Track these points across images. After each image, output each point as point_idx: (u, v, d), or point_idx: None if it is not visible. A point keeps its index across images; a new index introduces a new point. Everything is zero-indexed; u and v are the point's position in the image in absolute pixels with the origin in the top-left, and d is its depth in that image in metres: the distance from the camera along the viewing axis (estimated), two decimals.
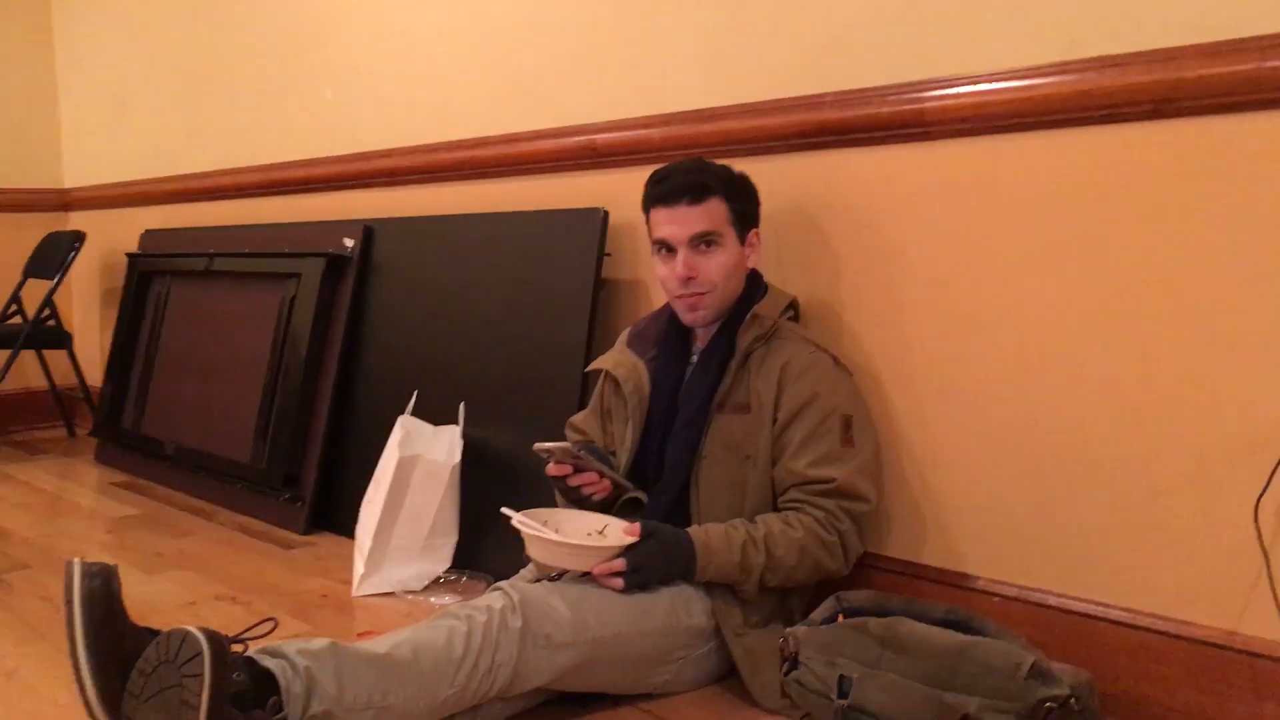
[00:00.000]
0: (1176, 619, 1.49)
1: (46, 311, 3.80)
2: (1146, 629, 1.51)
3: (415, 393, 2.36)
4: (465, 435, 2.24)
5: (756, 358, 1.72)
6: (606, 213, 2.16)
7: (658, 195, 1.72)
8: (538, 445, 1.66)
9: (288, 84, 3.16)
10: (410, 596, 2.12)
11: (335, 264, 2.75)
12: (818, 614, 1.54)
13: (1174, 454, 1.48)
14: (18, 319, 3.89)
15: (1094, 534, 1.57)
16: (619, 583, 1.55)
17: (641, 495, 1.75)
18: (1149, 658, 1.51)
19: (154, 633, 1.30)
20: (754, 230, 1.77)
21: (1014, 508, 1.65)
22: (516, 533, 1.58)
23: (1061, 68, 1.54)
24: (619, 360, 1.85)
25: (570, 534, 1.63)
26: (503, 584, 1.52)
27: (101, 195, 4.10)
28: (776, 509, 1.68)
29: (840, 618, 1.51)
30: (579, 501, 1.72)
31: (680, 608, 1.60)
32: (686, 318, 1.76)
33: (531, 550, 1.58)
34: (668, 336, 1.82)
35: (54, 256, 3.86)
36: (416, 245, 2.63)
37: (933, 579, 1.75)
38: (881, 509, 1.79)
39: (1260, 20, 1.36)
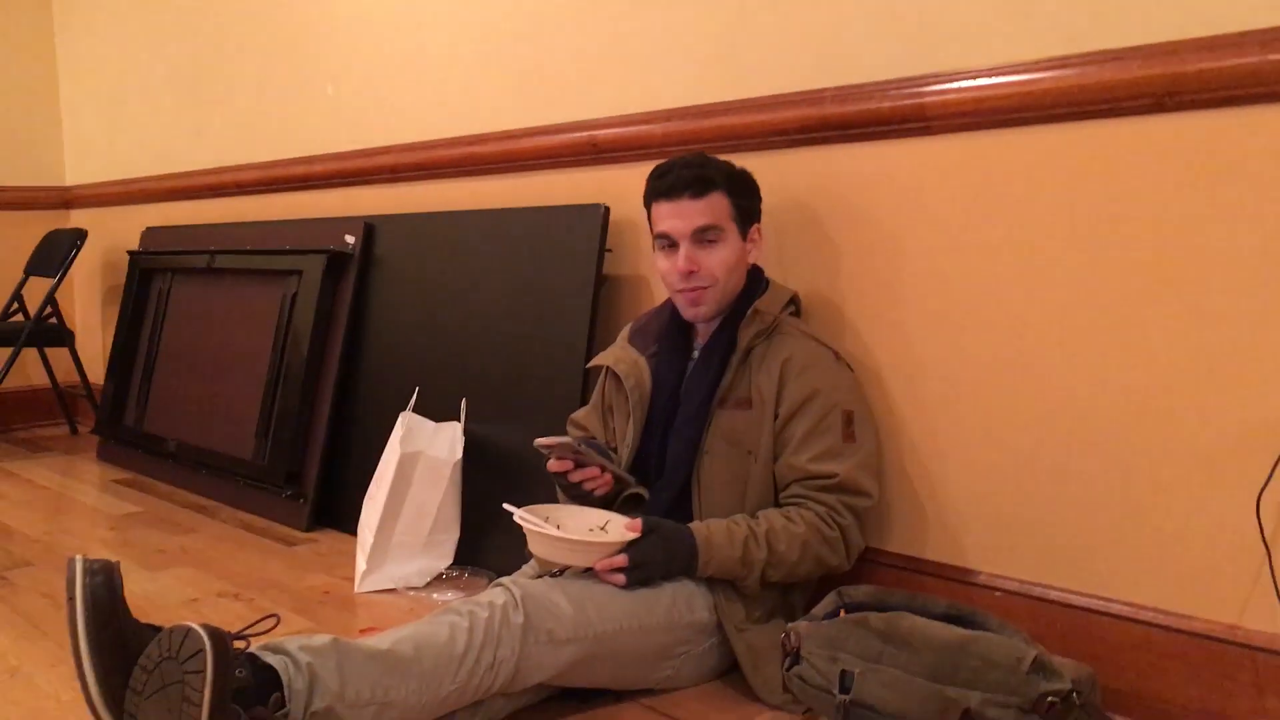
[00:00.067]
0: (1178, 613, 1.49)
1: (48, 309, 3.80)
2: (1148, 623, 1.51)
3: (417, 389, 2.36)
4: (467, 431, 2.24)
5: (758, 353, 1.72)
6: (607, 209, 2.16)
7: (660, 189, 1.72)
8: (538, 441, 1.66)
9: (289, 81, 3.16)
10: (412, 593, 2.12)
11: (336, 261, 2.75)
12: (819, 609, 1.54)
13: (1176, 448, 1.48)
14: (19, 317, 3.89)
15: (1096, 528, 1.57)
16: (621, 578, 1.55)
17: (643, 491, 1.75)
18: (1151, 652, 1.51)
19: (156, 629, 1.31)
20: (755, 226, 1.77)
21: (1015, 502, 1.65)
22: (518, 529, 1.58)
23: (1061, 62, 1.54)
24: (620, 356, 1.85)
25: (572, 530, 1.62)
26: (504, 580, 1.53)
27: (103, 193, 4.11)
28: (778, 504, 1.68)
29: (842, 613, 1.51)
30: (581, 497, 1.72)
31: (682, 603, 1.60)
32: (688, 313, 1.76)
33: (533, 546, 1.58)
34: (669, 332, 1.82)
35: (55, 254, 3.86)
36: (418, 242, 2.63)
37: (934, 574, 1.75)
38: (883, 504, 1.79)
39: (1261, 13, 1.36)
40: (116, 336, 3.59)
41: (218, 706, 1.19)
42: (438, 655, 1.38)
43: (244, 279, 3.13)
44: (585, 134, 2.24)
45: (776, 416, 1.68)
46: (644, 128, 2.12)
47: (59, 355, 4.01)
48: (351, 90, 2.93)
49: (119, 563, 1.34)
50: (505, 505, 1.61)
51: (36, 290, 3.85)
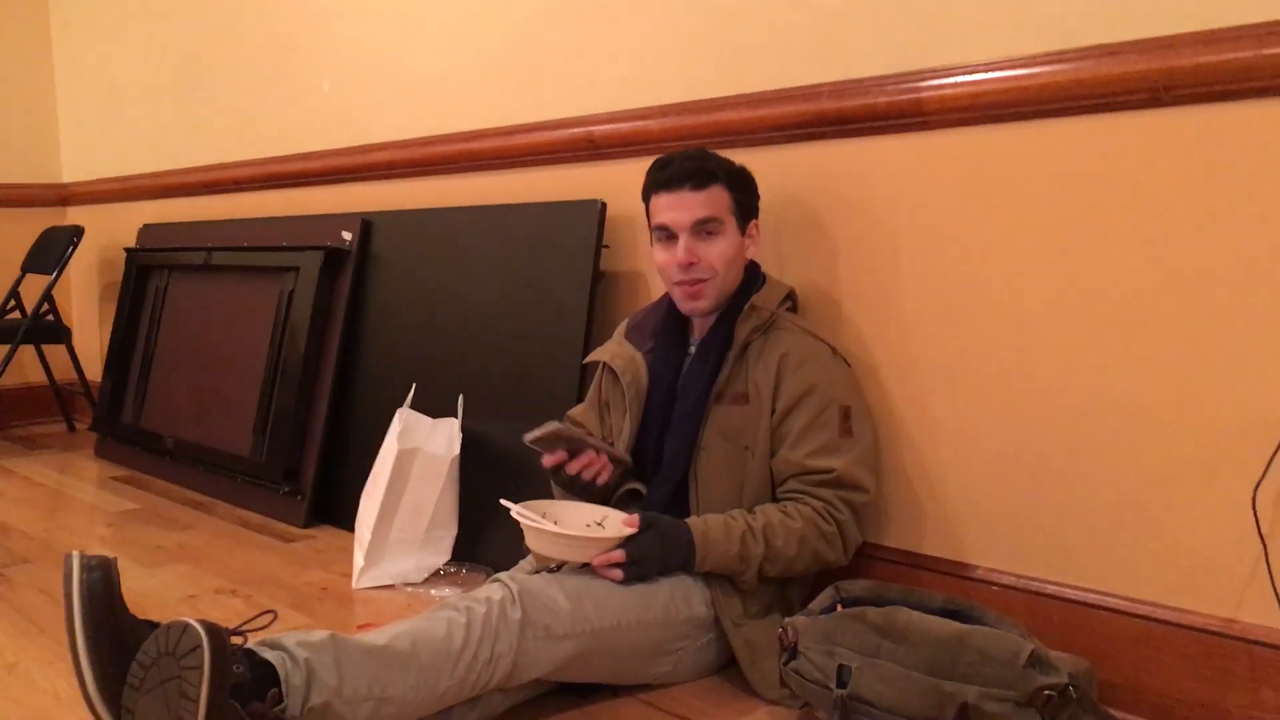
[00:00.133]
0: (1175, 607, 1.50)
1: (45, 306, 3.79)
2: (1145, 617, 1.51)
3: (414, 385, 2.36)
4: (464, 427, 2.24)
5: (755, 348, 1.72)
6: (604, 204, 2.16)
7: (660, 181, 1.72)
8: (527, 436, 1.65)
9: (285, 77, 3.16)
10: (410, 589, 2.12)
11: (333, 257, 2.75)
12: (816, 604, 1.55)
13: (1172, 442, 1.48)
14: (16, 314, 3.89)
15: (1093, 522, 1.57)
16: (618, 574, 1.55)
17: (640, 486, 1.75)
18: (1147, 646, 1.51)
19: (153, 625, 1.30)
20: (754, 222, 1.77)
21: (1012, 497, 1.65)
22: (515, 524, 1.58)
23: (1058, 56, 1.54)
24: (617, 352, 1.85)
25: (569, 525, 1.63)
26: (502, 575, 1.53)
27: (99, 190, 4.10)
28: (775, 499, 1.68)
29: (839, 607, 1.51)
30: (580, 491, 1.72)
31: (679, 598, 1.60)
32: (685, 306, 1.76)
33: (530, 542, 1.58)
34: (666, 328, 1.82)
35: (52, 251, 3.85)
36: (415, 238, 2.63)
37: (931, 568, 1.75)
38: (880, 499, 1.79)
39: (1257, 7, 1.36)
40: (114, 333, 3.59)
41: (215, 702, 1.19)
42: (435, 651, 1.38)
43: (241, 276, 3.13)
44: (582, 130, 2.24)
45: (773, 412, 1.68)
46: (641, 123, 2.12)
47: (56, 352, 4.00)
48: (348, 87, 2.92)
49: (116, 559, 1.34)
50: (502, 501, 1.61)
51: (33, 287, 3.85)
